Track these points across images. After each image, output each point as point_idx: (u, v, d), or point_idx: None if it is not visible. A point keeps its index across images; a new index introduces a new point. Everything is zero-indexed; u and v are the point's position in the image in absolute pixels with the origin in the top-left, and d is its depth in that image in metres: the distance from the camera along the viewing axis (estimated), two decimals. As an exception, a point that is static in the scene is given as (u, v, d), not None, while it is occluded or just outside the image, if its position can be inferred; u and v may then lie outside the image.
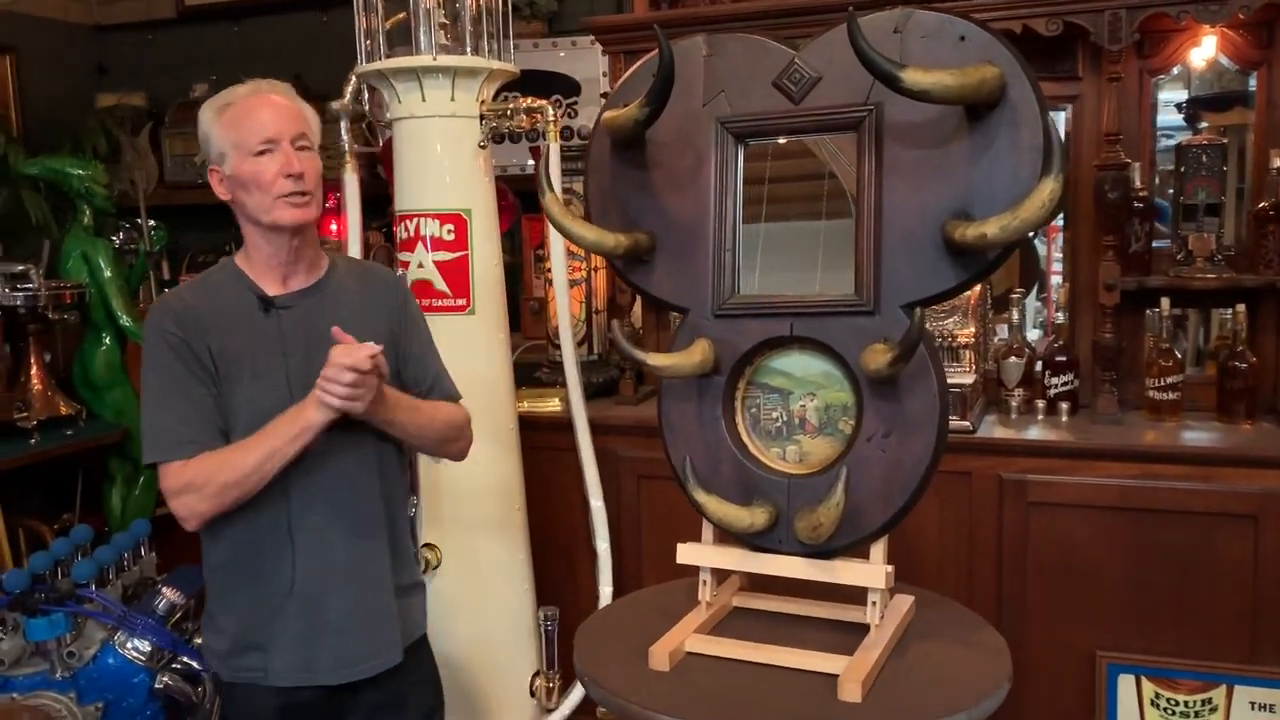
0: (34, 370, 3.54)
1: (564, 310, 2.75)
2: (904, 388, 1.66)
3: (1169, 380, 2.71)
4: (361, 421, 1.88)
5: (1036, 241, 3.28)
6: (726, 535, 1.79)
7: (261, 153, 1.87)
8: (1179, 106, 2.99)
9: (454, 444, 2.12)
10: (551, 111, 2.61)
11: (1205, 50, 2.79)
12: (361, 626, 1.97)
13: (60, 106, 4.53)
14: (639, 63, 1.86)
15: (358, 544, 1.97)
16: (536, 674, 2.72)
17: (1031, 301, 3.31)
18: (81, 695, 2.44)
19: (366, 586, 1.97)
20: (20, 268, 3.49)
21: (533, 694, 2.73)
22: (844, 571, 1.71)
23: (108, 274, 3.75)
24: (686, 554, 1.82)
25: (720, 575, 1.86)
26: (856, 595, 1.72)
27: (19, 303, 3.46)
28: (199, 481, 1.84)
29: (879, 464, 1.68)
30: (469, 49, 2.59)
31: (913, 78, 1.51)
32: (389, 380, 1.93)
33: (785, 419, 1.78)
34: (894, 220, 1.66)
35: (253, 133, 1.87)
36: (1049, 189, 1.48)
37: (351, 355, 1.78)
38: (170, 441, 1.87)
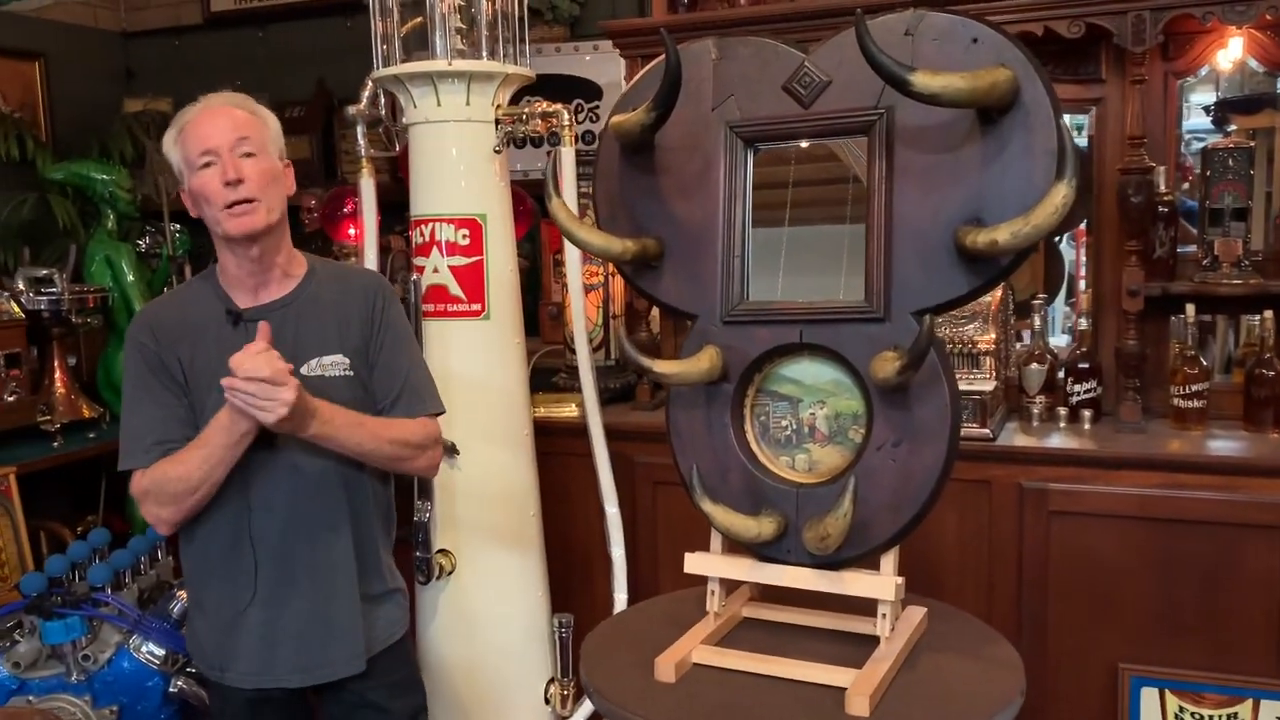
0: (58, 374, 3.57)
1: (579, 315, 2.74)
2: (915, 396, 1.63)
3: (1194, 388, 2.66)
4: None
5: (1064, 246, 3.23)
6: (736, 545, 1.77)
7: (205, 165, 1.88)
8: (1207, 109, 2.94)
9: (408, 462, 2.06)
10: (566, 115, 2.60)
11: (1232, 52, 2.74)
12: (321, 634, 1.99)
13: (88, 112, 4.57)
14: (647, 67, 1.85)
15: (318, 553, 1.98)
16: (551, 681, 2.71)
17: (1060, 306, 3.26)
18: (97, 698, 2.45)
19: (328, 596, 1.99)
20: (44, 272, 3.52)
21: (547, 701, 2.71)
22: (853, 583, 1.69)
23: (131, 278, 3.78)
24: (694, 564, 1.80)
25: (730, 585, 1.84)
26: (868, 607, 1.69)
27: (43, 307, 3.48)
28: (153, 488, 1.89)
29: (889, 474, 1.65)
30: (485, 53, 2.59)
31: (922, 81, 1.48)
32: (357, 392, 1.99)
33: (795, 427, 1.76)
34: (905, 226, 1.63)
35: (194, 147, 1.88)
36: (1062, 194, 1.45)
37: (251, 361, 1.77)
38: (135, 448, 1.91)
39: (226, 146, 1.88)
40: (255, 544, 1.96)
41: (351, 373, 2.01)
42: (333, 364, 1.99)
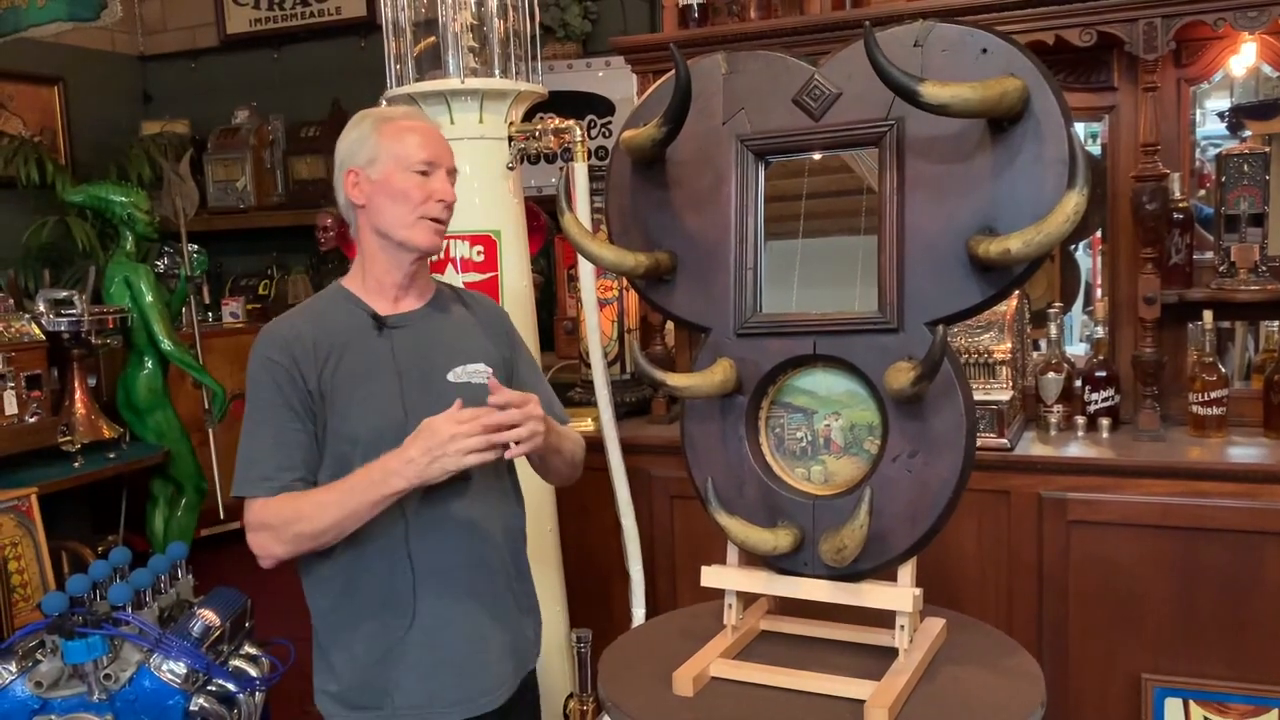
0: (78, 394, 3.60)
1: (593, 329, 2.74)
2: (930, 407, 1.63)
3: (1213, 395, 2.65)
4: None
5: (1081, 254, 3.22)
6: (753, 557, 1.77)
7: (421, 172, 1.87)
8: (1221, 115, 2.93)
9: (579, 470, 2.07)
10: (579, 131, 2.61)
11: (1245, 58, 2.73)
12: (484, 659, 1.90)
13: (106, 134, 4.63)
14: (658, 82, 1.86)
15: (480, 570, 1.90)
16: (570, 697, 2.71)
17: (1078, 315, 3.25)
18: (118, 717, 2.45)
19: (489, 616, 1.91)
20: (64, 294, 3.56)
21: (566, 717, 2.71)
22: (871, 595, 1.68)
23: (149, 299, 3.81)
24: (711, 577, 1.80)
25: (747, 598, 1.84)
26: (887, 618, 1.69)
27: (63, 328, 3.52)
28: (275, 524, 1.79)
29: (905, 485, 1.64)
30: (497, 71, 2.61)
31: (931, 91, 1.49)
32: None
33: (810, 439, 1.76)
34: (917, 236, 1.64)
35: (416, 150, 1.87)
36: (1073, 202, 1.45)
37: (459, 416, 1.71)
38: (254, 475, 1.82)
39: (445, 168, 1.91)
40: (414, 562, 1.85)
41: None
42: (477, 372, 1.93)
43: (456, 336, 1.96)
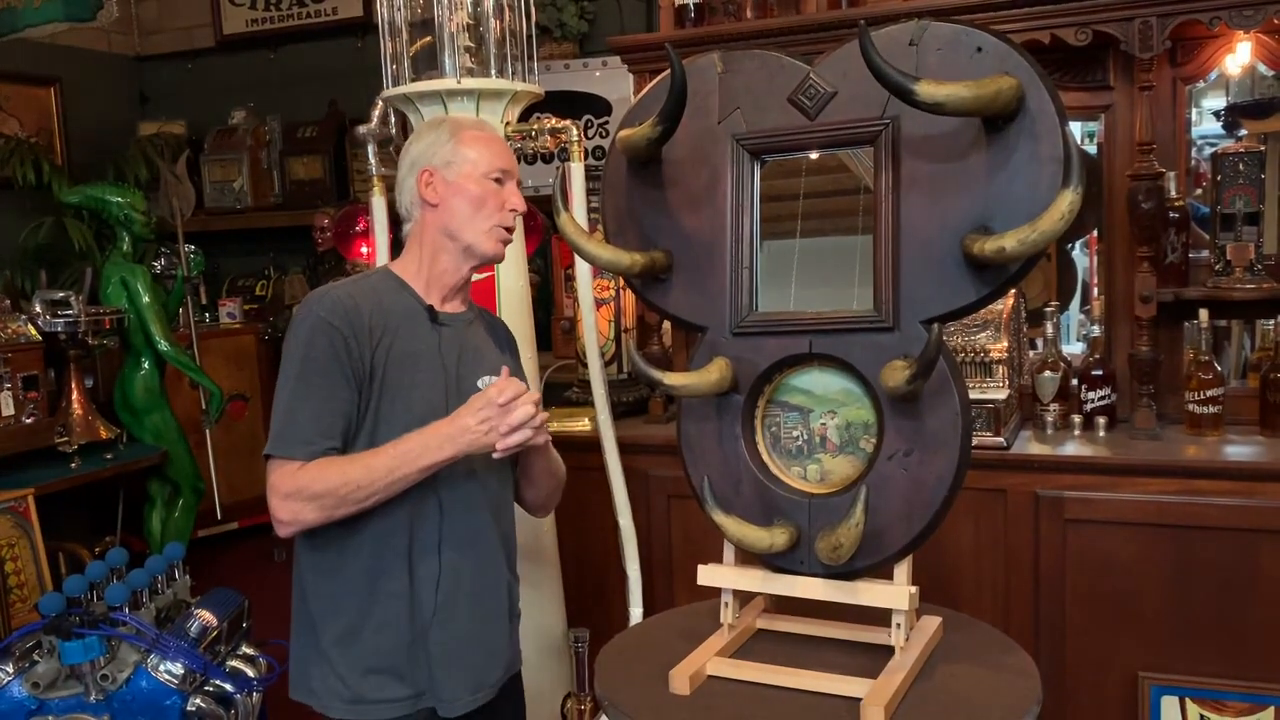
0: (74, 395, 3.60)
1: (590, 329, 2.75)
2: (925, 405, 1.63)
3: (1209, 393, 2.65)
4: None
5: (1078, 253, 3.23)
6: (749, 556, 1.77)
7: (496, 179, 1.91)
8: (1217, 114, 2.94)
9: (557, 496, 2.14)
10: (575, 131, 2.61)
11: (1240, 57, 2.74)
12: (481, 654, 1.93)
13: (103, 135, 4.63)
14: (654, 81, 1.86)
15: (487, 566, 1.94)
16: (568, 696, 2.71)
17: (1075, 314, 3.25)
18: (115, 718, 2.45)
19: (490, 613, 1.95)
20: (61, 294, 3.56)
21: (564, 716, 2.71)
22: (866, 593, 1.68)
23: (146, 299, 3.81)
24: (707, 575, 1.80)
25: (744, 597, 1.84)
26: (884, 617, 1.69)
27: (60, 329, 3.52)
28: (316, 489, 1.75)
29: (901, 483, 1.65)
30: (494, 71, 2.61)
31: (926, 90, 1.49)
32: None
33: (806, 437, 1.76)
34: (913, 235, 1.64)
35: (495, 159, 1.91)
36: (1067, 201, 1.45)
37: (511, 388, 1.77)
38: (295, 438, 1.78)
39: (515, 180, 1.96)
40: (442, 552, 1.86)
41: None
42: None
43: (484, 346, 2.01)
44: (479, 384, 1.88)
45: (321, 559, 1.87)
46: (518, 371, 2.04)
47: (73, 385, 3.61)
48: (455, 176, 1.90)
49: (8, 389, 3.34)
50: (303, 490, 1.75)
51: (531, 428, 1.79)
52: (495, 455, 1.80)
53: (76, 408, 3.60)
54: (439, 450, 1.77)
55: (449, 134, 1.93)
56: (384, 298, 1.89)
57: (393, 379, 1.84)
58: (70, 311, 3.54)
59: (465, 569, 1.90)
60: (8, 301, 3.58)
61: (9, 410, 3.34)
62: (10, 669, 2.43)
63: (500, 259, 1.99)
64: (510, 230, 1.95)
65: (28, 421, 3.40)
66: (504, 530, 2.00)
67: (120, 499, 3.78)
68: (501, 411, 1.76)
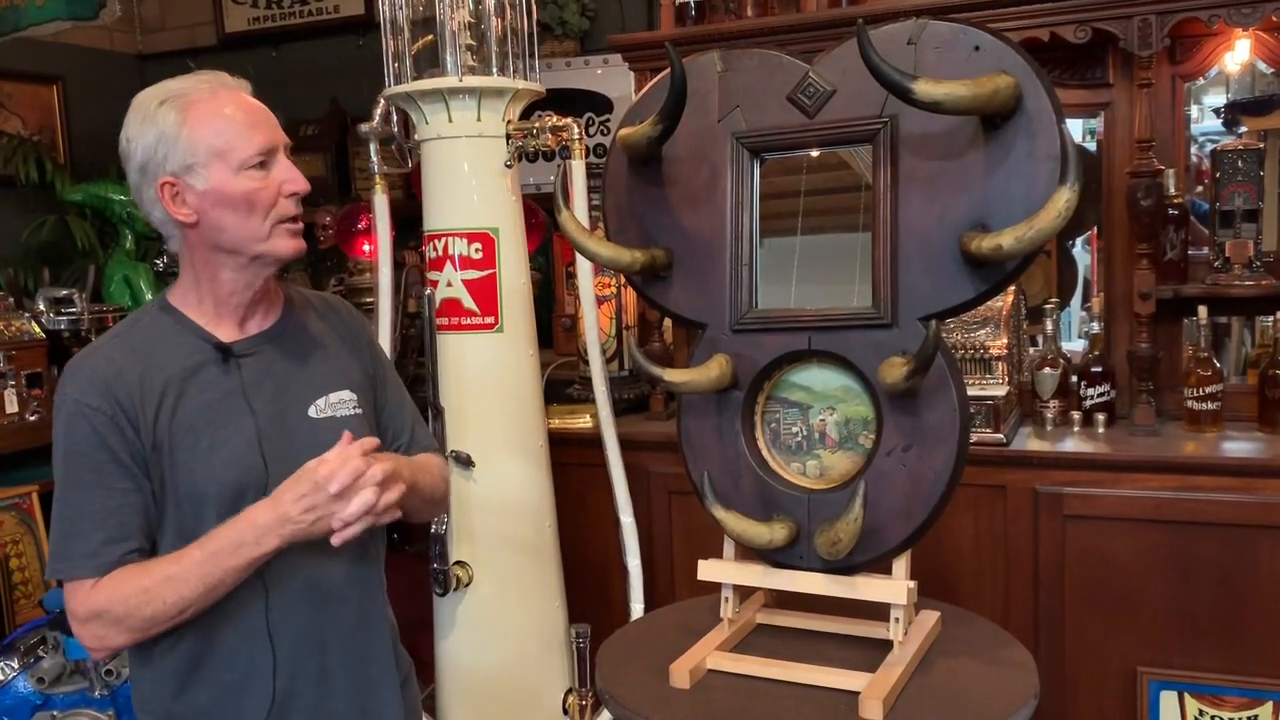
0: (78, 393, 3.61)
1: (592, 326, 2.76)
2: (923, 401, 1.64)
3: (1208, 390, 2.66)
4: None
5: (1078, 251, 3.24)
6: (749, 551, 1.78)
7: (258, 165, 1.52)
8: (1217, 111, 2.94)
9: (444, 505, 1.83)
10: (576, 129, 2.62)
11: (1239, 54, 2.75)
12: None
13: (105, 133, 4.61)
14: (654, 80, 1.87)
15: (355, 634, 1.63)
16: (569, 692, 2.72)
17: (1076, 311, 3.26)
18: (120, 713, 2.47)
19: (366, 687, 1.66)
20: (64, 292, 3.57)
21: (565, 712, 2.72)
22: (865, 587, 1.69)
23: (149, 297, 3.83)
24: (707, 570, 1.81)
25: (744, 592, 1.85)
26: (883, 611, 1.70)
27: (63, 327, 3.53)
28: (117, 612, 1.46)
29: (899, 478, 1.66)
30: (495, 69, 2.62)
31: (924, 89, 1.50)
32: (366, 432, 1.61)
33: (805, 433, 1.77)
34: (911, 232, 1.65)
35: (245, 139, 1.50)
36: (1064, 198, 1.46)
37: (345, 469, 1.44)
38: (77, 552, 1.47)
39: (282, 147, 1.55)
40: (274, 637, 1.55)
41: (360, 410, 1.68)
42: (341, 402, 1.65)
43: (317, 359, 1.65)
44: (309, 412, 1.60)
45: (143, 657, 1.58)
46: (371, 378, 1.73)
47: (76, 383, 3.62)
48: (206, 183, 1.49)
49: (11, 386, 3.35)
50: (102, 614, 1.46)
51: (375, 513, 1.47)
52: (333, 543, 1.47)
53: (80, 405, 3.61)
54: (256, 545, 1.45)
55: (176, 118, 1.49)
56: (157, 349, 1.54)
57: (185, 447, 1.50)
58: (73, 309, 3.56)
59: (321, 639, 1.60)
60: (11, 299, 3.58)
61: (13, 408, 3.35)
62: (15, 664, 2.45)
63: (301, 253, 1.59)
64: (297, 219, 1.55)
65: (31, 419, 3.41)
66: (373, 574, 1.70)
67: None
68: (331, 500, 1.44)
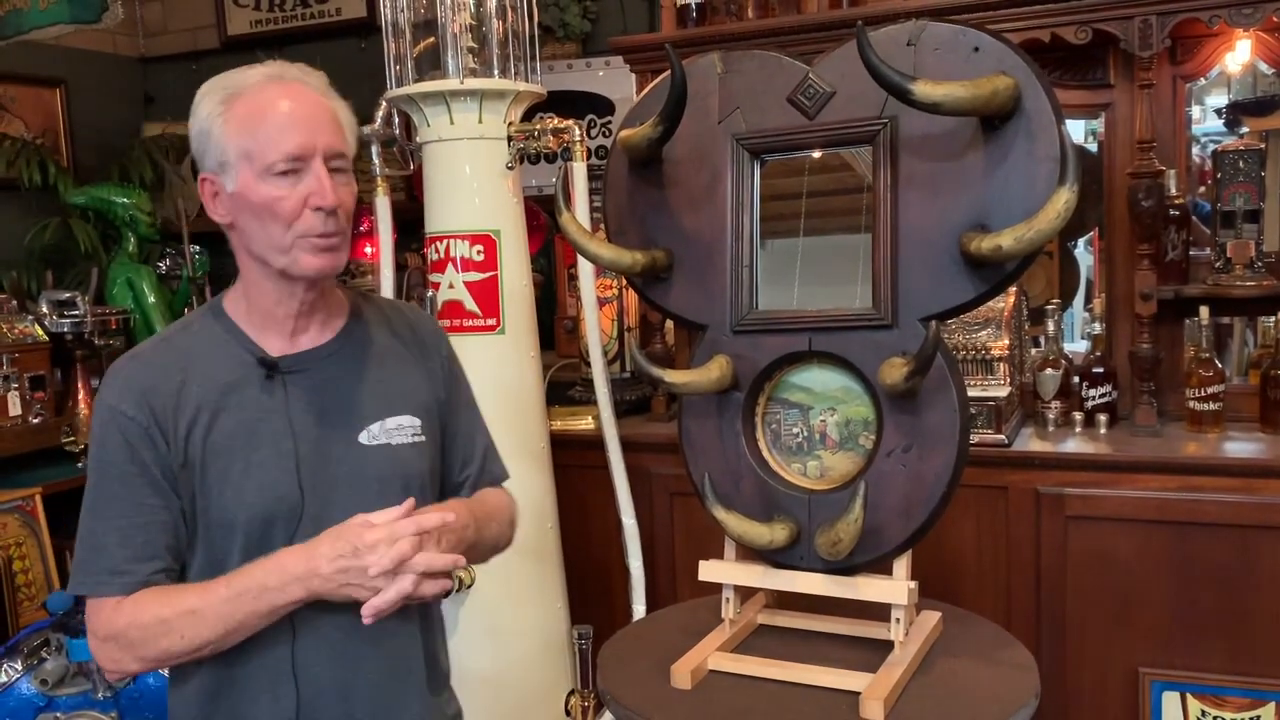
0: (81, 395, 3.61)
1: (593, 328, 2.76)
2: (924, 402, 1.65)
3: (1209, 390, 2.66)
4: None
5: (1081, 251, 3.24)
6: (750, 552, 1.78)
7: (285, 172, 1.39)
8: (1219, 112, 2.94)
9: (506, 548, 1.71)
10: (577, 131, 2.63)
11: (1240, 55, 2.75)
12: None
13: (108, 136, 4.63)
14: (654, 82, 1.87)
15: (385, 684, 1.53)
16: (571, 693, 2.72)
17: (1079, 312, 3.26)
18: (123, 715, 2.48)
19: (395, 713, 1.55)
20: (67, 295, 3.58)
21: (568, 713, 2.72)
22: (866, 588, 1.70)
23: (152, 300, 3.84)
24: (708, 571, 1.81)
25: (745, 592, 1.85)
26: (883, 612, 1.70)
27: (66, 329, 3.54)
28: (132, 637, 1.38)
29: (899, 479, 1.66)
30: (497, 72, 2.62)
31: (923, 90, 1.50)
32: (426, 463, 1.54)
33: (806, 434, 1.77)
34: (911, 233, 1.65)
35: (273, 142, 1.38)
36: (1064, 199, 1.46)
37: (384, 541, 1.34)
38: (102, 568, 1.40)
39: (321, 154, 1.40)
40: (299, 678, 1.46)
41: (423, 437, 1.55)
42: (399, 429, 1.52)
43: (377, 379, 1.53)
44: (361, 438, 1.48)
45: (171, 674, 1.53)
46: (441, 403, 1.61)
47: (79, 385, 3.62)
48: (235, 184, 1.40)
49: (15, 389, 3.36)
50: (120, 636, 1.39)
51: (409, 587, 1.35)
52: (363, 618, 1.37)
53: (83, 408, 3.61)
54: (281, 592, 1.36)
55: (212, 116, 1.40)
56: (200, 360, 1.45)
57: (217, 469, 1.42)
58: (76, 312, 3.56)
59: (351, 687, 1.50)
60: (14, 302, 3.59)
61: (16, 410, 3.36)
62: (19, 666, 2.46)
63: (326, 273, 1.45)
64: (328, 235, 1.41)
65: (35, 421, 3.42)
66: (418, 615, 1.60)
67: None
68: (363, 570, 1.34)
